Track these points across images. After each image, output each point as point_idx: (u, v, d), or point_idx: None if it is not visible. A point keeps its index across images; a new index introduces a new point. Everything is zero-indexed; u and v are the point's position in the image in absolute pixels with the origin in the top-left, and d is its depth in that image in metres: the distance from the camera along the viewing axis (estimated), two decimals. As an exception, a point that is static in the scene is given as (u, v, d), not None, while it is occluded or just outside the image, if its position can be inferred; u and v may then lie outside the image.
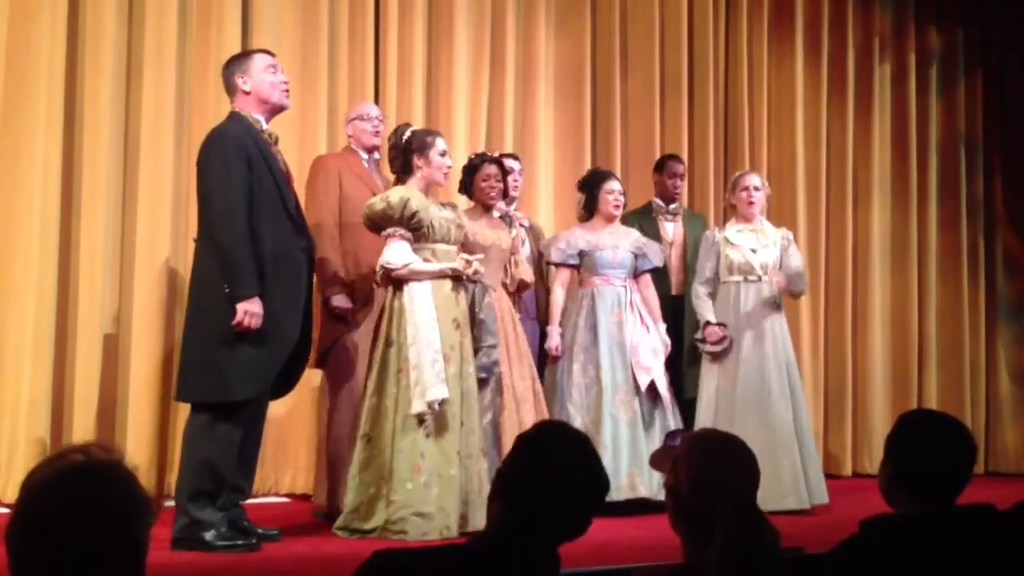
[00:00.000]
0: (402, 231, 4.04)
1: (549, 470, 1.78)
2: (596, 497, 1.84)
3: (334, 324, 4.46)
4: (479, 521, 3.83)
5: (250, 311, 3.55)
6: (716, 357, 4.91)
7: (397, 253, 4.02)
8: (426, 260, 4.07)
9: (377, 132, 4.75)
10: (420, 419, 3.88)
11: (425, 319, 3.94)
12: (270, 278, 3.63)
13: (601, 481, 1.84)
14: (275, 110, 3.86)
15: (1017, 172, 7.42)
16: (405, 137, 4.22)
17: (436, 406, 3.88)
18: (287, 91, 3.88)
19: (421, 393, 3.87)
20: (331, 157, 4.76)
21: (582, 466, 1.82)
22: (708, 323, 4.92)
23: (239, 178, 3.61)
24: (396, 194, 4.08)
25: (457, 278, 4.09)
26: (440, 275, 4.05)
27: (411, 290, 4.00)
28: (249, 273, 3.58)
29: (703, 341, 4.94)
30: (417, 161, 4.19)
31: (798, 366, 5.17)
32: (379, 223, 4.08)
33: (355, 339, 4.49)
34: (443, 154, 4.18)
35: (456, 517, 3.88)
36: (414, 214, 4.02)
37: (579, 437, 1.90)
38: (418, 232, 4.06)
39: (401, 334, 3.96)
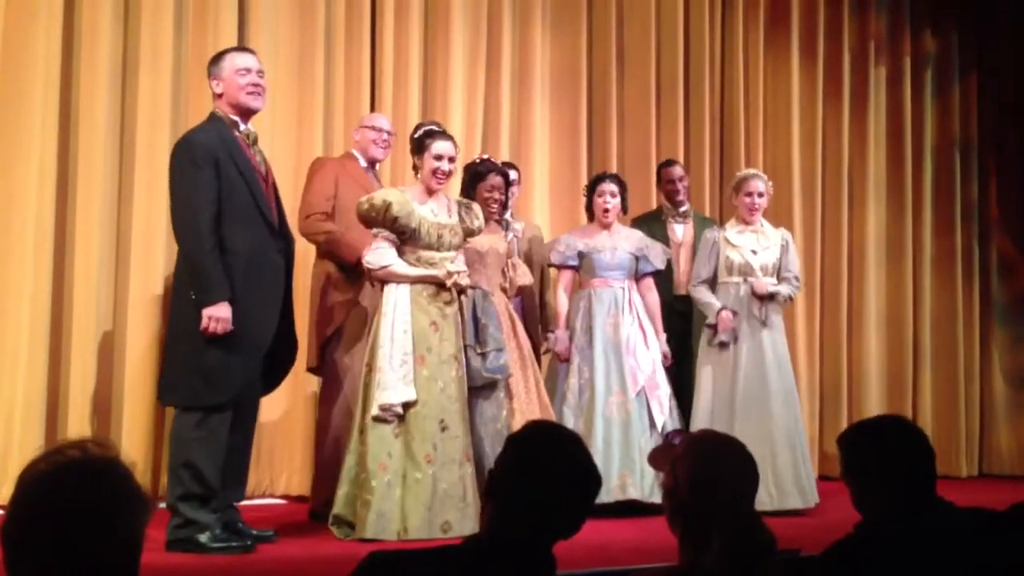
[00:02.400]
0: (386, 232, 4.06)
1: (541, 470, 1.78)
2: (589, 495, 1.84)
3: (333, 314, 4.44)
4: (466, 527, 3.82)
5: (215, 316, 3.55)
6: (721, 347, 4.90)
7: (378, 254, 4.05)
8: (410, 264, 4.07)
9: (384, 146, 4.73)
10: (379, 420, 3.88)
11: (398, 322, 3.97)
12: (244, 282, 3.63)
13: (593, 479, 1.84)
14: (245, 112, 3.82)
15: (1011, 175, 7.44)
16: (415, 136, 4.24)
17: (398, 409, 3.89)
18: (257, 93, 3.80)
19: (378, 396, 3.90)
20: (329, 160, 4.76)
21: (574, 465, 1.82)
22: (723, 308, 4.88)
23: (204, 184, 3.60)
24: (380, 196, 4.09)
25: (441, 284, 4.08)
26: (420, 280, 4.06)
27: (388, 292, 4.03)
28: (215, 279, 3.57)
29: (714, 328, 4.90)
30: (417, 162, 4.21)
31: (793, 367, 5.18)
32: (366, 222, 4.12)
33: (348, 340, 4.48)
34: (437, 158, 4.13)
35: (418, 520, 3.85)
36: (395, 219, 4.03)
37: (570, 436, 1.90)
38: (402, 236, 4.08)
39: (380, 335, 3.99)
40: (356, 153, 4.73)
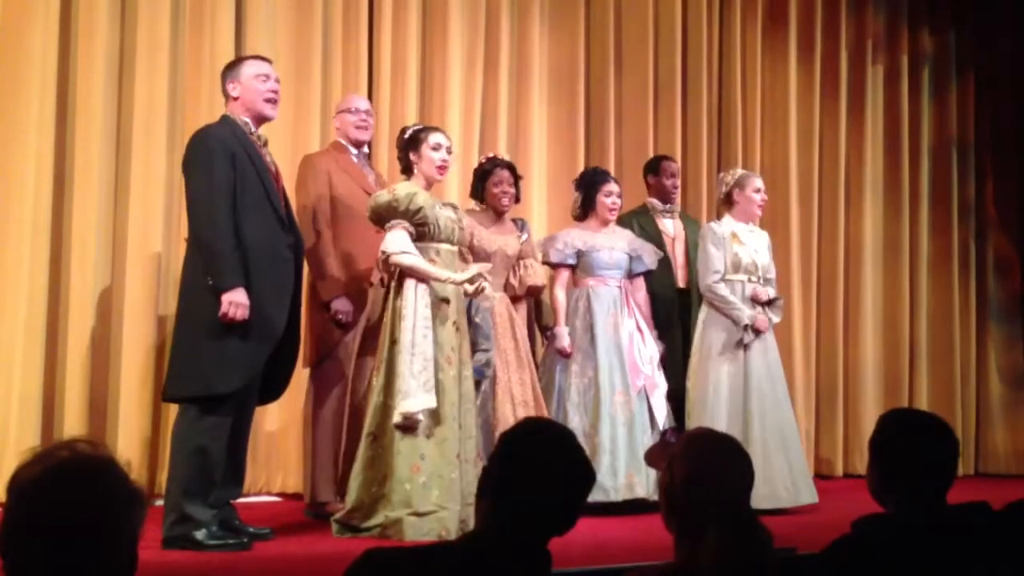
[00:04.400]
0: (405, 224, 3.97)
1: (534, 467, 1.78)
2: (582, 491, 1.84)
3: (334, 328, 4.42)
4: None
5: (235, 301, 3.55)
6: (745, 347, 4.81)
7: (395, 240, 3.95)
8: (430, 261, 3.99)
9: (364, 126, 4.66)
10: (400, 428, 3.84)
11: (420, 326, 3.89)
12: (254, 273, 3.63)
13: (586, 475, 1.84)
14: (260, 118, 3.86)
15: (1008, 175, 7.45)
16: (406, 135, 4.21)
17: (419, 417, 3.83)
18: (274, 100, 3.85)
19: (398, 403, 3.83)
20: (318, 156, 4.70)
21: (567, 461, 1.82)
22: (757, 315, 4.82)
23: (221, 175, 3.63)
24: (403, 188, 4.02)
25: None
26: (438, 279, 3.97)
27: (408, 292, 3.93)
28: (232, 265, 3.58)
29: (749, 328, 4.80)
30: (413, 158, 4.14)
31: (789, 367, 5.20)
32: (383, 216, 4.02)
33: (346, 339, 4.48)
34: (436, 148, 4.09)
35: (456, 519, 3.83)
36: (419, 209, 3.97)
37: (563, 432, 1.90)
38: (422, 228, 4.00)
39: (402, 338, 3.91)
40: (343, 141, 4.67)
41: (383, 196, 4.02)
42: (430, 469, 3.83)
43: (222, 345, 3.58)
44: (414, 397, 3.82)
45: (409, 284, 3.94)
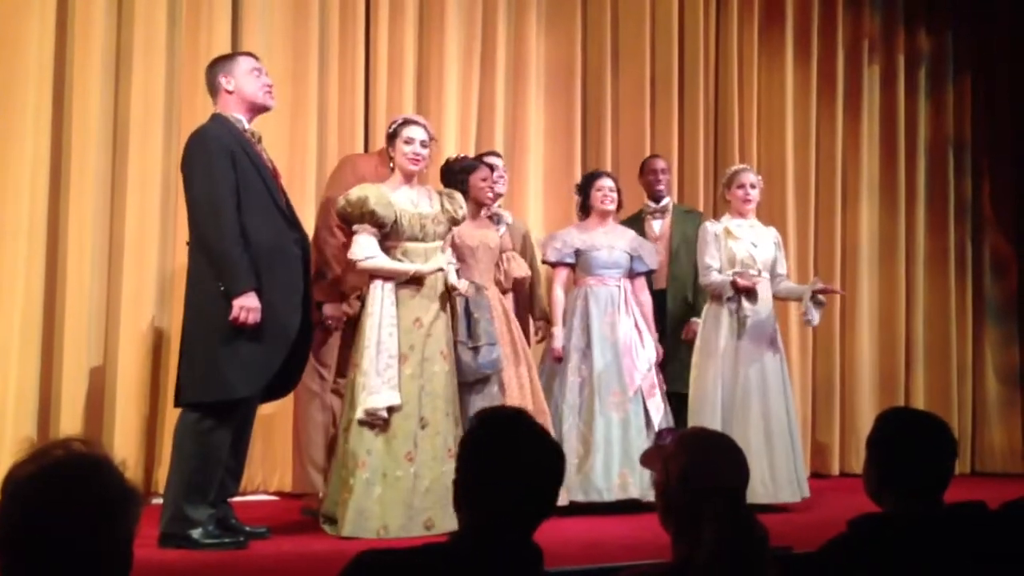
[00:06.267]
0: (367, 226, 4.01)
1: (496, 467, 1.75)
2: (551, 473, 1.80)
3: (323, 332, 4.43)
4: (448, 523, 3.81)
5: (247, 306, 3.54)
6: (748, 293, 4.83)
7: (360, 245, 4.00)
8: (397, 260, 4.04)
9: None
10: (364, 423, 3.86)
11: (384, 323, 3.93)
12: (265, 273, 3.63)
13: (550, 454, 1.80)
14: (258, 110, 3.85)
15: (1005, 174, 7.45)
16: (388, 130, 4.22)
17: (383, 413, 3.86)
18: (270, 92, 3.86)
19: (364, 399, 3.87)
20: (363, 158, 4.66)
21: (526, 448, 1.78)
22: (735, 272, 4.83)
23: (223, 176, 3.61)
24: (355, 192, 4.05)
25: (418, 280, 4.04)
26: (405, 274, 4.00)
27: (374, 290, 3.99)
28: (242, 268, 3.57)
29: (739, 287, 4.82)
30: (391, 152, 4.18)
31: (787, 365, 5.18)
32: (346, 220, 4.08)
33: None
34: (408, 142, 4.10)
35: (399, 519, 3.84)
36: (372, 212, 3.99)
37: (515, 418, 1.83)
38: (382, 230, 4.03)
39: (365, 335, 3.96)
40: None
41: (340, 201, 4.06)
42: (375, 465, 3.86)
43: (238, 348, 3.57)
44: (378, 393, 3.86)
45: (376, 284, 4.00)
